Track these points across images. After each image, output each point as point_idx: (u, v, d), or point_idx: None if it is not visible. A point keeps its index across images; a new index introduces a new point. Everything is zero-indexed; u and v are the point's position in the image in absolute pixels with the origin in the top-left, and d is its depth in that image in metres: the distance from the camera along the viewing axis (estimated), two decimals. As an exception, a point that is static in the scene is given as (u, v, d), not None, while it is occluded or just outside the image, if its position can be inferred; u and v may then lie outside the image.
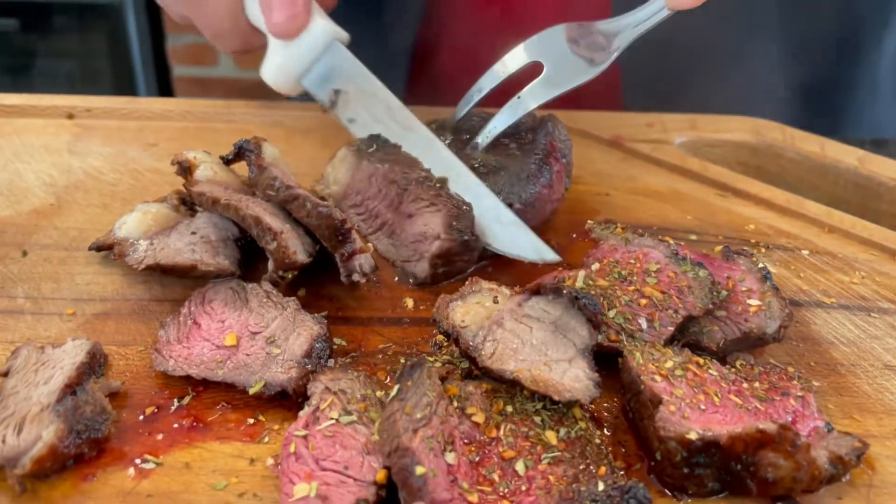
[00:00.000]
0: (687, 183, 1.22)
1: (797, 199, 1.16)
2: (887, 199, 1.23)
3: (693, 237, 1.07)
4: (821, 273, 1.00)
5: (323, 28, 1.10)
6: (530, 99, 1.02)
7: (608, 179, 1.22)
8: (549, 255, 0.97)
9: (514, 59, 1.05)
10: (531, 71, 1.04)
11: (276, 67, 1.13)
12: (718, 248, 0.96)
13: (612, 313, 0.82)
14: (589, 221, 1.02)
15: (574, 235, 1.06)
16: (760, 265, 0.91)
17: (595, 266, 0.88)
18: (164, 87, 4.31)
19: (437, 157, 1.02)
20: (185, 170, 0.95)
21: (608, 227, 0.96)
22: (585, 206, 1.14)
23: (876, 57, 1.52)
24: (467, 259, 0.94)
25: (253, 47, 1.17)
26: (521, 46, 1.04)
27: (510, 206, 0.97)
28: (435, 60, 1.52)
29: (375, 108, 1.09)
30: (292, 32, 1.07)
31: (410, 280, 0.95)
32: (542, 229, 1.05)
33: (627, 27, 0.99)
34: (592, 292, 0.83)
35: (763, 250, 1.04)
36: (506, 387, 0.74)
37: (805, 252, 1.04)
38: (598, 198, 1.16)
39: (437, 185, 0.96)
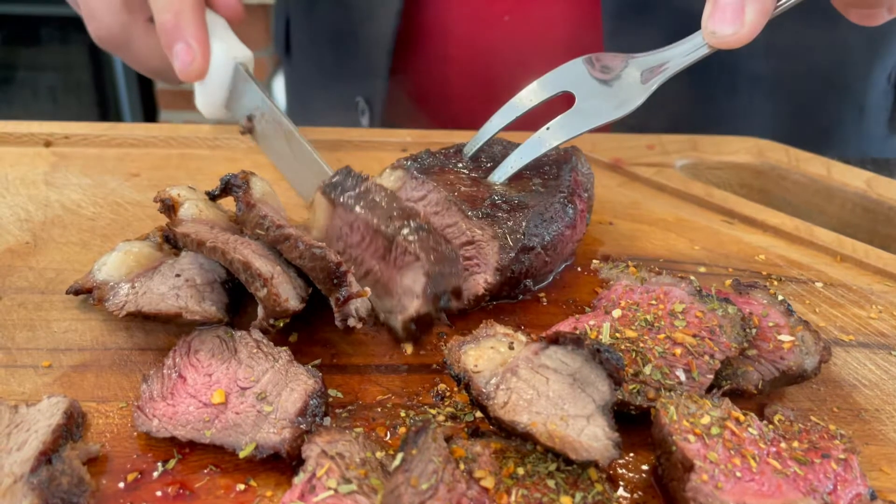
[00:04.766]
0: (692, 209, 1.18)
1: (806, 227, 1.12)
2: (897, 223, 1.19)
3: (702, 269, 1.02)
4: (837, 308, 0.96)
5: (224, 54, 1.19)
6: (555, 135, 0.94)
7: (610, 206, 1.17)
8: None
9: (536, 93, 0.96)
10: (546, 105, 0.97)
11: (202, 99, 1.24)
12: (728, 281, 0.92)
13: (647, 369, 0.76)
14: (594, 261, 0.97)
15: (579, 269, 1.01)
16: (780, 297, 0.86)
17: (617, 313, 0.83)
18: (147, 99, 4.25)
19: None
20: (169, 208, 0.90)
21: (617, 266, 0.91)
22: (588, 236, 1.09)
23: (864, 87, 1.50)
24: (441, 318, 0.89)
25: None
26: (541, 80, 0.96)
27: (531, 248, 0.91)
28: (414, 54, 1.52)
29: (278, 133, 1.16)
30: (199, 75, 1.19)
31: (392, 333, 0.87)
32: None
33: (670, 60, 0.91)
34: (623, 347, 0.78)
35: (776, 283, 1.00)
36: (516, 446, 0.69)
37: (819, 284, 1.00)
38: (600, 227, 1.12)
39: (423, 232, 0.86)
